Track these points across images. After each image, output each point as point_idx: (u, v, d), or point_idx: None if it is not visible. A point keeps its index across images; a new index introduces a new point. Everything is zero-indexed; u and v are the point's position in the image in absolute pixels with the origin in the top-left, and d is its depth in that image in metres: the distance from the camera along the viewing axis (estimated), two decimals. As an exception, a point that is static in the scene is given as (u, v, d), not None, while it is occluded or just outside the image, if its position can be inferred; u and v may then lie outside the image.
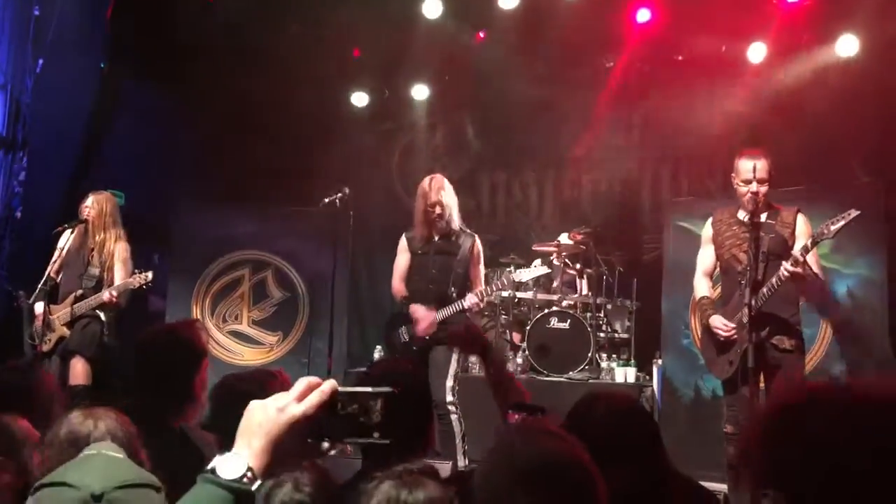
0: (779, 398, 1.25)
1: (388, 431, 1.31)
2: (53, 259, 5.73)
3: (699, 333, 5.42)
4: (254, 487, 1.23)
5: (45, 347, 5.61)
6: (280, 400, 1.28)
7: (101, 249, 5.80)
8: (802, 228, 4.50)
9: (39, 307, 5.65)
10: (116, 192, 6.46)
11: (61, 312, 5.69)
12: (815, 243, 4.28)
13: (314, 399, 1.28)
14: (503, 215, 8.90)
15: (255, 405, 1.29)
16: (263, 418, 1.26)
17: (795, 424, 1.16)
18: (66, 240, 5.77)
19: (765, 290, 4.33)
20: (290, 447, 1.27)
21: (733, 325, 4.46)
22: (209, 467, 1.23)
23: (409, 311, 5.28)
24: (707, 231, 4.83)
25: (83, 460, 1.84)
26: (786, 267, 4.23)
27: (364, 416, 1.31)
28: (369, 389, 1.32)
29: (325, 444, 1.35)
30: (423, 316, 5.18)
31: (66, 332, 5.69)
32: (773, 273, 4.34)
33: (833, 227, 4.16)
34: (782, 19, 6.90)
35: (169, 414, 2.55)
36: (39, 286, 5.56)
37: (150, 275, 5.69)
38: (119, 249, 5.84)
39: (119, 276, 5.77)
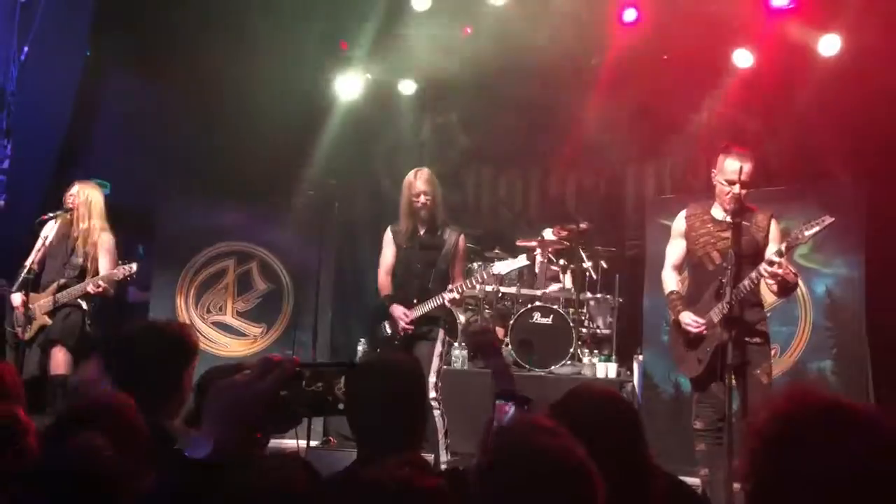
0: (781, 409, 1.30)
1: (351, 406, 1.38)
2: (37, 247, 5.71)
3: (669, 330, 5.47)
4: (222, 463, 1.26)
5: (26, 336, 5.59)
6: (244, 378, 1.32)
7: (85, 239, 5.79)
8: (775, 233, 4.50)
9: (16, 297, 5.63)
10: (102, 182, 6.45)
11: (43, 301, 5.67)
12: (789, 247, 4.29)
13: (276, 375, 1.32)
14: (488, 210, 8.95)
15: (220, 384, 1.33)
16: (229, 396, 1.30)
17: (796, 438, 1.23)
18: (51, 229, 5.75)
19: (739, 286, 4.33)
20: (257, 423, 1.31)
21: (703, 322, 4.46)
22: (178, 447, 1.27)
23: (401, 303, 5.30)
24: (679, 224, 4.73)
25: None
26: (765, 268, 4.25)
27: (329, 391, 1.38)
28: (331, 364, 1.43)
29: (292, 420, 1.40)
30: (400, 316, 5.22)
31: (47, 320, 5.67)
32: (744, 275, 4.34)
33: (807, 233, 4.17)
34: (767, 21, 6.96)
35: (155, 410, 2.56)
36: (22, 275, 5.55)
37: (133, 266, 5.69)
38: (104, 239, 5.82)
39: (104, 266, 5.76)
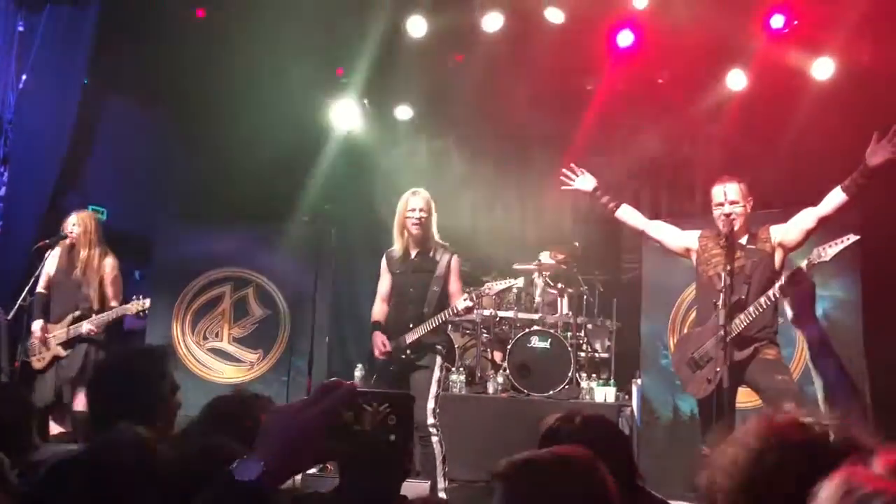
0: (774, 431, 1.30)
1: (403, 437, 1.28)
2: (37, 274, 5.72)
3: (673, 351, 5.46)
4: (271, 490, 1.22)
5: (39, 365, 5.62)
6: (297, 403, 1.28)
7: (89, 268, 5.81)
8: (779, 234, 4.53)
9: (37, 324, 5.67)
10: (97, 208, 6.46)
11: (58, 332, 5.70)
12: (811, 266, 4.22)
13: (331, 402, 1.26)
14: (485, 235, 8.95)
15: (274, 409, 1.31)
16: (280, 422, 1.26)
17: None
18: (51, 258, 5.77)
19: (751, 309, 4.35)
20: (312, 451, 1.26)
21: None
22: (228, 469, 1.23)
23: (387, 332, 5.28)
24: (692, 239, 4.81)
25: None
26: (780, 285, 4.25)
27: (385, 417, 1.28)
28: (391, 394, 1.30)
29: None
30: (378, 345, 5.21)
31: (61, 351, 5.69)
32: (756, 295, 4.37)
33: (830, 251, 4.14)
34: (762, 44, 7.01)
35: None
36: (19, 302, 5.55)
37: (147, 302, 5.73)
38: (107, 266, 5.86)
39: (111, 293, 5.82)
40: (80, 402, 5.57)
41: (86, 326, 5.65)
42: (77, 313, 5.73)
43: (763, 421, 1.36)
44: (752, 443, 1.31)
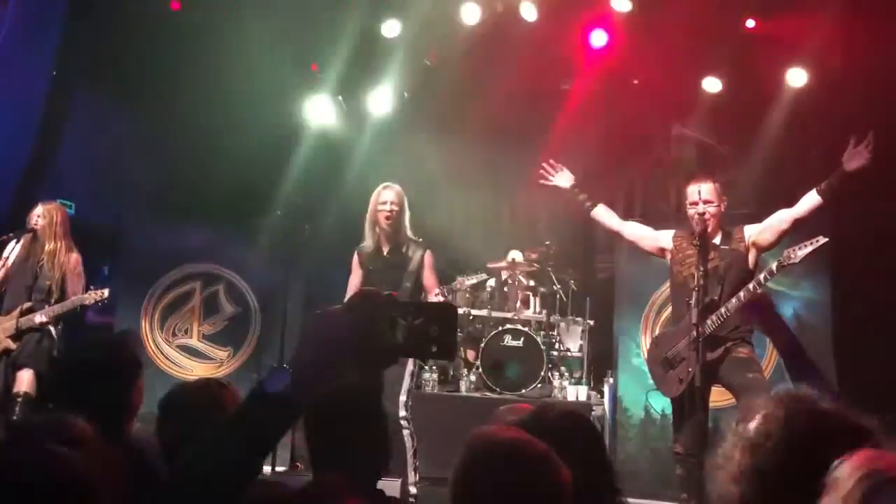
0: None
1: (445, 349, 1.29)
2: (-3, 268, 5.59)
3: (647, 350, 5.48)
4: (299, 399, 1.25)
5: (-12, 359, 5.47)
6: (336, 309, 1.31)
7: (51, 260, 5.66)
8: (753, 234, 4.55)
9: None
10: (66, 202, 6.33)
11: (7, 324, 5.53)
12: (780, 267, 4.28)
13: (366, 311, 1.28)
14: (459, 232, 8.91)
15: (310, 317, 1.35)
16: (316, 324, 1.30)
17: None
18: (11, 249, 5.62)
19: (722, 310, 4.36)
20: (349, 355, 1.28)
21: None
22: (259, 379, 1.28)
23: None
24: (666, 238, 4.80)
25: None
26: (748, 288, 4.28)
27: (424, 330, 1.29)
28: (433, 304, 1.33)
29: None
30: None
31: (10, 344, 5.52)
32: (729, 295, 4.38)
33: (800, 253, 4.18)
34: (736, 47, 7.06)
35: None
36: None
37: (106, 292, 5.56)
38: (71, 261, 5.70)
39: (71, 288, 5.64)
40: (21, 383, 5.43)
41: (38, 318, 5.50)
42: (27, 305, 5.57)
43: (781, 394, 1.38)
44: (778, 413, 1.31)
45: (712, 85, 7.25)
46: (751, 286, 4.29)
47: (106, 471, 1.59)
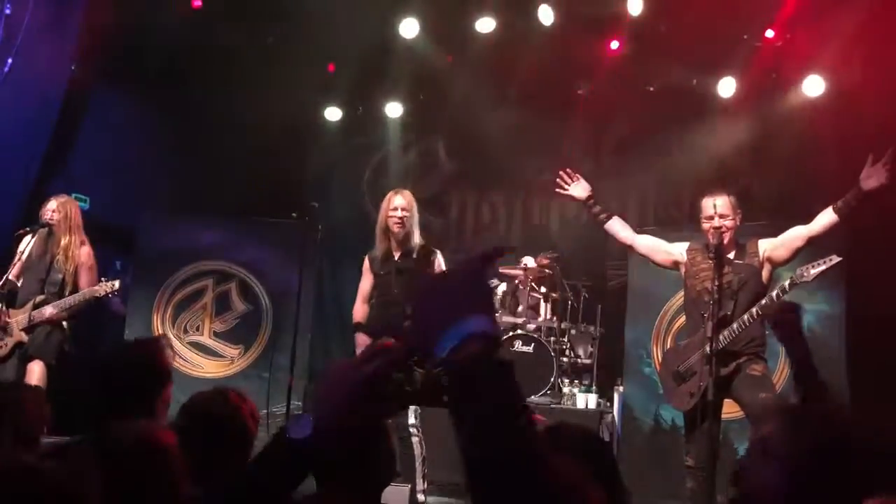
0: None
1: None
2: (13, 262, 5.61)
3: (659, 362, 5.45)
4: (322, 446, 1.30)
5: (1, 353, 5.48)
6: (351, 362, 1.33)
7: (65, 254, 5.68)
8: (766, 247, 4.52)
9: None
10: (80, 197, 6.36)
11: (20, 317, 5.56)
12: (793, 285, 4.24)
13: (383, 363, 1.30)
14: (471, 236, 8.92)
15: (331, 367, 1.36)
16: (333, 379, 1.32)
17: None
18: (28, 243, 5.65)
19: (735, 325, 4.33)
20: (364, 409, 1.31)
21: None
22: (283, 426, 1.33)
23: (370, 332, 5.22)
24: (680, 249, 4.76)
25: None
26: (760, 305, 4.25)
27: (439, 378, 1.27)
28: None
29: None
30: (360, 345, 5.17)
31: (23, 337, 5.54)
32: (742, 310, 4.35)
33: (813, 271, 4.15)
34: (753, 57, 7.04)
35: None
36: (-1, 290, 5.44)
37: (116, 283, 5.57)
38: (84, 254, 5.72)
39: (84, 282, 5.66)
40: (31, 377, 5.45)
41: (49, 310, 5.53)
42: (39, 298, 5.60)
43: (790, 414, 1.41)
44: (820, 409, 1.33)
45: (728, 92, 7.23)
46: (764, 302, 4.26)
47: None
